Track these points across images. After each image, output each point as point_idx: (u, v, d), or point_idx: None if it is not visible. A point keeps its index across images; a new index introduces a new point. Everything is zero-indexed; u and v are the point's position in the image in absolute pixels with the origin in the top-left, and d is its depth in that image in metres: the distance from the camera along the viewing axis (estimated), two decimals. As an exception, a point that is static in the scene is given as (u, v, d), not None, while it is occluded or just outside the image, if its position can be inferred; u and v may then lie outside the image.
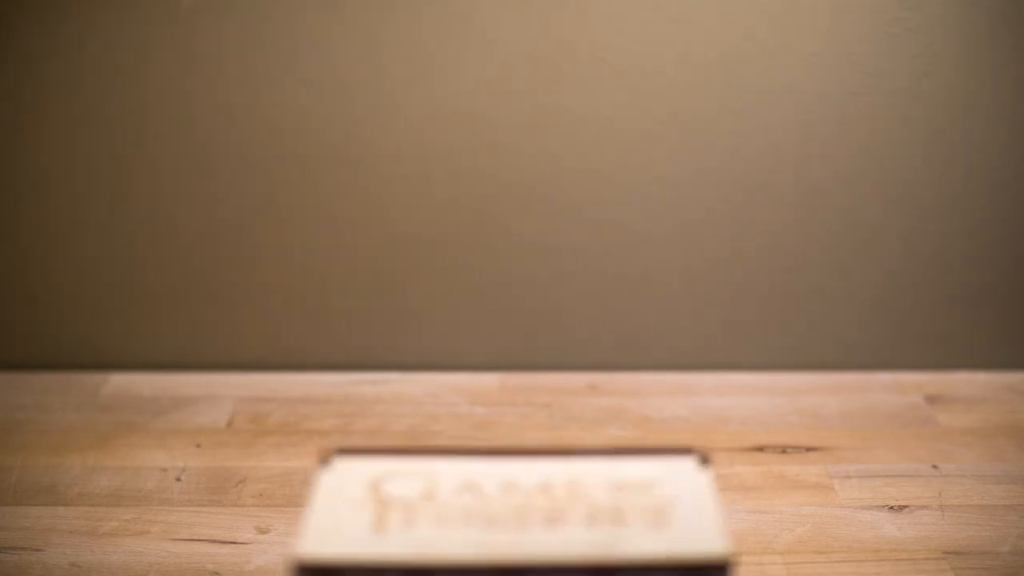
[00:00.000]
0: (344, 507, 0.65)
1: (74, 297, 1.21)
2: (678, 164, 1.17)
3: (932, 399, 1.15)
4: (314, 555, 0.61)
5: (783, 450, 1.06)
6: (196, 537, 0.93)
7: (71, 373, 1.21)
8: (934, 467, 1.03)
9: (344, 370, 1.20)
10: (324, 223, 1.19)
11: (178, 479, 1.01)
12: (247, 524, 0.95)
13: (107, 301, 1.21)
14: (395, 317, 1.21)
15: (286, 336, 1.22)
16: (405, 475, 0.67)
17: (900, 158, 1.17)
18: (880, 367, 1.21)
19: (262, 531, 0.94)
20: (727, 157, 1.17)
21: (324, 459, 0.68)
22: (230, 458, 1.05)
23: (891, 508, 0.96)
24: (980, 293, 1.20)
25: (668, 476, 0.67)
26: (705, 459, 0.68)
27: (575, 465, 0.68)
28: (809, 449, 1.06)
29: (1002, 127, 1.16)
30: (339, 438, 1.08)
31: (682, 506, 0.64)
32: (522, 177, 1.18)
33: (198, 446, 1.07)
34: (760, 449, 1.06)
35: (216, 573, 0.88)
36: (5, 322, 1.21)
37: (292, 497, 0.99)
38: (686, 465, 0.68)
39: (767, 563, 0.89)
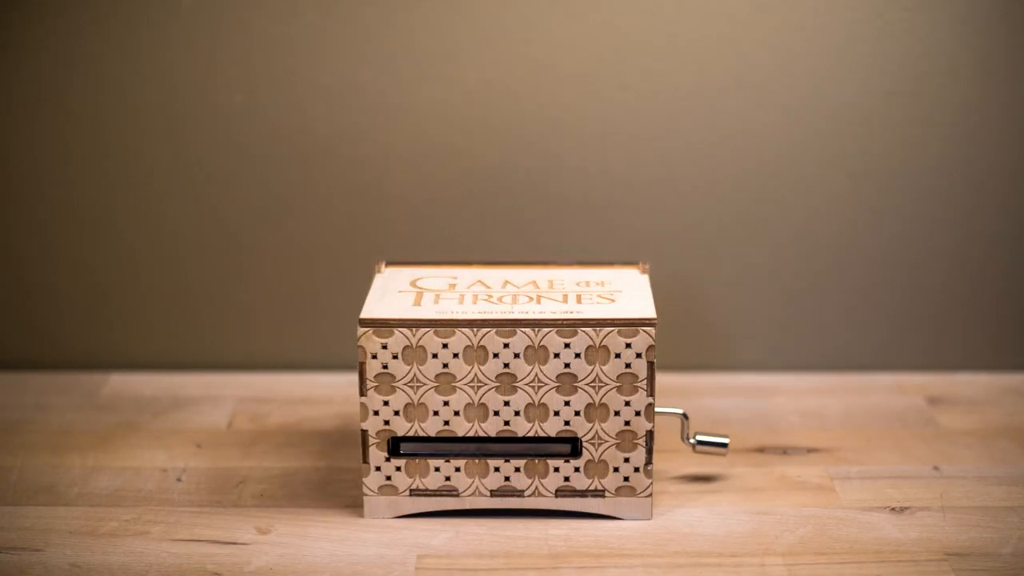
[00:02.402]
0: (392, 293, 0.97)
1: (74, 297, 1.21)
2: (677, 164, 1.17)
3: (933, 400, 1.15)
4: (373, 315, 0.93)
5: (784, 451, 1.06)
6: (196, 537, 0.93)
7: (71, 373, 1.21)
8: (935, 468, 1.03)
9: (344, 370, 1.20)
10: (325, 223, 1.19)
11: (178, 479, 1.01)
12: (247, 524, 0.95)
13: (107, 301, 1.21)
14: (396, 317, 1.21)
15: (286, 336, 1.22)
16: (434, 276, 1.01)
17: (900, 160, 1.17)
18: (881, 368, 1.21)
19: (262, 531, 0.94)
20: (727, 158, 1.17)
21: (378, 269, 1.02)
22: (230, 458, 1.05)
23: (892, 509, 0.96)
24: (981, 295, 1.20)
25: (618, 278, 1.01)
26: (644, 270, 1.02)
27: (553, 271, 1.02)
28: (810, 450, 1.06)
29: (1003, 128, 1.16)
30: (339, 439, 1.08)
31: (625, 294, 0.97)
32: (521, 176, 1.18)
33: (198, 446, 1.07)
34: (761, 450, 1.06)
35: (216, 573, 0.88)
36: (5, 322, 1.21)
37: (292, 497, 0.99)
38: (631, 272, 1.02)
39: (768, 564, 0.89)
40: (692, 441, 0.99)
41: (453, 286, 0.98)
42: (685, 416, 0.99)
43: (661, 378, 1.07)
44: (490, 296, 0.96)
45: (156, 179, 1.18)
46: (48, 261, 1.20)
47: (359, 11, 1.14)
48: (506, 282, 1.00)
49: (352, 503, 0.98)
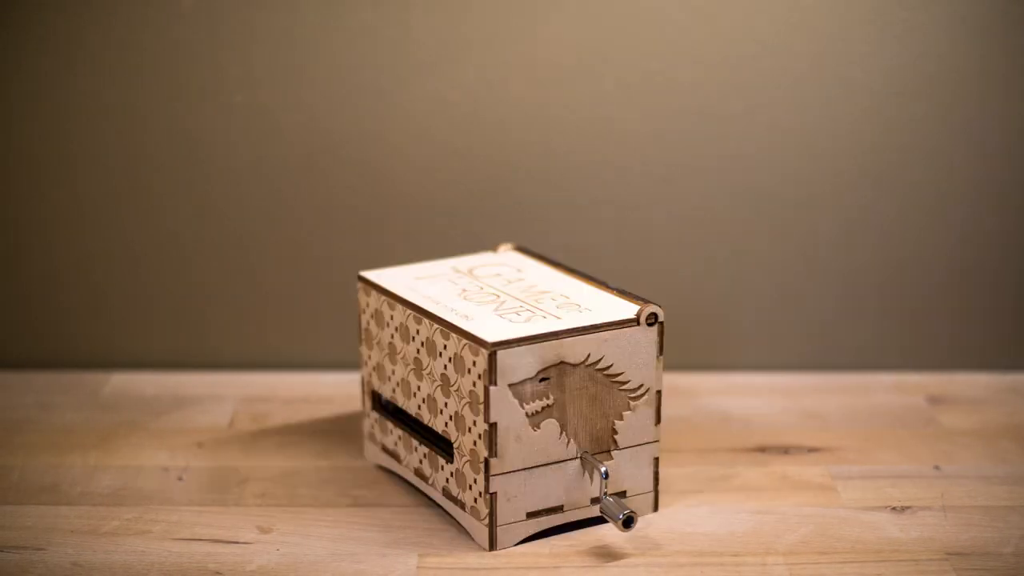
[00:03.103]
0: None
1: (75, 297, 1.21)
2: (677, 164, 1.17)
3: (934, 400, 1.15)
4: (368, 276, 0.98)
5: (785, 451, 1.06)
6: (198, 537, 0.93)
7: (73, 372, 1.21)
8: (936, 468, 1.03)
9: (346, 370, 1.20)
10: (326, 223, 1.19)
11: (180, 479, 1.01)
12: (249, 524, 0.95)
13: (109, 301, 1.21)
14: (397, 317, 1.21)
15: (288, 336, 1.22)
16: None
17: (900, 160, 1.17)
18: (882, 368, 1.21)
19: (264, 531, 0.94)
20: (727, 158, 1.17)
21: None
22: (232, 458, 1.05)
23: (893, 509, 0.96)
24: (982, 295, 1.20)
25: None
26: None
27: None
28: (811, 450, 1.06)
29: (1004, 128, 1.16)
30: (341, 438, 1.08)
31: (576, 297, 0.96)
32: (521, 175, 1.18)
33: (200, 446, 1.07)
34: (762, 450, 1.06)
35: (218, 573, 0.88)
36: (6, 322, 1.21)
37: (294, 497, 0.99)
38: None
39: (770, 564, 0.89)
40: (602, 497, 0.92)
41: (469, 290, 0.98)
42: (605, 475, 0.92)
43: (664, 378, 1.06)
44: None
45: (157, 179, 1.18)
46: (50, 261, 1.20)
47: (359, 11, 1.14)
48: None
49: (354, 502, 0.98)
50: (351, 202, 1.18)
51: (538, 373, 0.88)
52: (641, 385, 0.92)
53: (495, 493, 0.89)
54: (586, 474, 0.92)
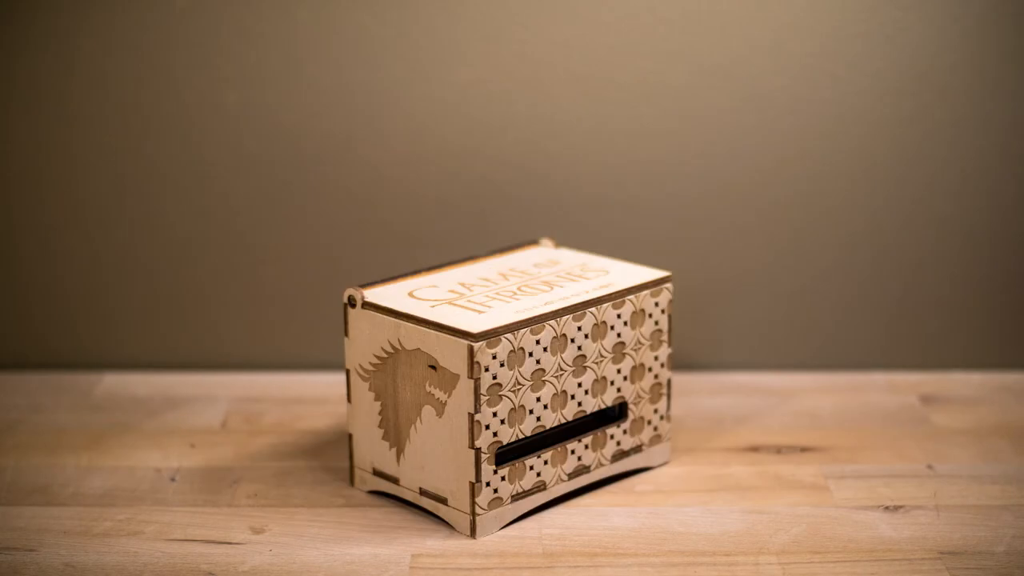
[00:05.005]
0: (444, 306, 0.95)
1: (67, 298, 1.21)
2: (672, 164, 1.17)
3: (927, 399, 1.15)
4: (482, 328, 0.90)
5: (778, 450, 1.06)
6: (190, 537, 0.93)
7: (64, 373, 1.21)
8: (929, 467, 1.03)
9: (338, 371, 1.20)
10: (319, 223, 1.19)
11: (172, 479, 1.01)
12: (242, 524, 0.95)
13: (100, 301, 1.21)
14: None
15: (280, 336, 1.21)
16: (421, 287, 0.98)
17: (895, 159, 1.17)
18: (875, 367, 1.21)
19: (256, 531, 0.94)
20: (722, 159, 1.17)
21: (351, 302, 0.96)
22: (224, 458, 1.05)
23: (886, 508, 0.96)
24: (974, 294, 1.20)
25: (567, 256, 1.05)
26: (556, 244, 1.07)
27: (493, 262, 1.04)
28: (804, 449, 1.06)
29: (999, 127, 1.16)
30: (334, 438, 1.08)
31: (592, 265, 1.02)
32: (516, 176, 1.18)
33: (192, 446, 1.07)
34: (755, 449, 1.06)
35: (211, 573, 0.88)
36: (-2, 322, 1.21)
37: (286, 497, 0.98)
38: (545, 248, 1.07)
39: (763, 563, 0.89)
40: None
41: (460, 290, 0.98)
42: None
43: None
44: (510, 289, 0.98)
45: (151, 179, 1.18)
46: (42, 262, 1.20)
47: (353, 11, 1.14)
48: (484, 279, 1.00)
49: (346, 502, 0.98)
50: (346, 202, 1.18)
51: None
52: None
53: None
54: None
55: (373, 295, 0.96)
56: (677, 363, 1.19)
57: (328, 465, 1.04)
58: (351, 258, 1.18)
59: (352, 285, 1.12)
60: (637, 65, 1.15)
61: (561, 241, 1.18)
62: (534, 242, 1.08)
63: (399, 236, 1.19)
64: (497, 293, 0.97)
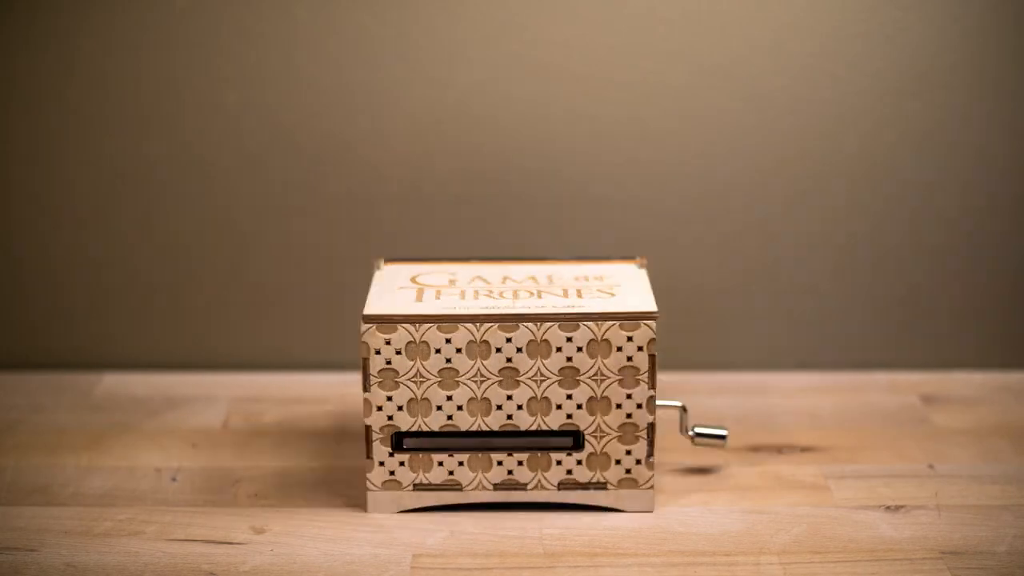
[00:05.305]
0: (393, 290, 0.98)
1: (67, 297, 1.21)
2: (673, 164, 1.17)
3: (928, 399, 1.15)
4: (376, 311, 0.93)
5: (779, 450, 1.06)
6: (191, 537, 0.93)
7: (64, 373, 1.21)
8: (930, 467, 1.03)
9: (339, 370, 1.20)
10: (319, 222, 1.19)
11: (173, 479, 1.01)
12: (243, 524, 0.95)
13: (101, 301, 1.21)
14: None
15: (281, 335, 1.21)
16: (434, 273, 1.02)
17: (895, 159, 1.17)
18: (876, 367, 1.21)
19: (258, 531, 0.94)
20: (722, 158, 1.17)
21: (377, 265, 1.03)
22: (225, 458, 1.05)
23: (887, 508, 0.96)
24: (975, 294, 1.20)
25: (616, 272, 1.02)
26: (642, 264, 1.03)
27: (551, 266, 1.03)
28: (804, 449, 1.06)
29: (999, 127, 1.16)
30: (334, 438, 1.08)
31: (624, 287, 0.98)
32: (518, 175, 1.18)
33: (193, 446, 1.07)
34: (755, 449, 1.06)
35: (212, 573, 0.88)
36: (-2, 322, 1.21)
37: (287, 497, 0.98)
38: (629, 267, 1.03)
39: (763, 563, 0.89)
40: (691, 433, 0.99)
41: (453, 282, 0.99)
42: (684, 409, 0.99)
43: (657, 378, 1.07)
44: (491, 292, 0.97)
45: (150, 179, 1.18)
46: (41, 261, 1.20)
47: (352, 11, 1.14)
48: (505, 278, 1.01)
49: (348, 502, 0.98)
50: (346, 201, 1.18)
51: None
52: None
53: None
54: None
55: (389, 271, 1.02)
56: (677, 363, 1.20)
57: (329, 464, 1.04)
58: (352, 257, 1.18)
59: (352, 285, 1.12)
60: (637, 65, 1.15)
61: (561, 241, 1.18)
62: (631, 257, 1.05)
63: (399, 236, 1.19)
64: (489, 292, 0.97)
